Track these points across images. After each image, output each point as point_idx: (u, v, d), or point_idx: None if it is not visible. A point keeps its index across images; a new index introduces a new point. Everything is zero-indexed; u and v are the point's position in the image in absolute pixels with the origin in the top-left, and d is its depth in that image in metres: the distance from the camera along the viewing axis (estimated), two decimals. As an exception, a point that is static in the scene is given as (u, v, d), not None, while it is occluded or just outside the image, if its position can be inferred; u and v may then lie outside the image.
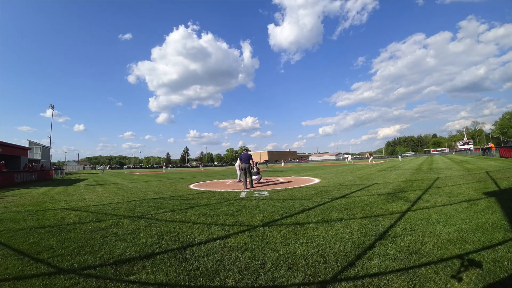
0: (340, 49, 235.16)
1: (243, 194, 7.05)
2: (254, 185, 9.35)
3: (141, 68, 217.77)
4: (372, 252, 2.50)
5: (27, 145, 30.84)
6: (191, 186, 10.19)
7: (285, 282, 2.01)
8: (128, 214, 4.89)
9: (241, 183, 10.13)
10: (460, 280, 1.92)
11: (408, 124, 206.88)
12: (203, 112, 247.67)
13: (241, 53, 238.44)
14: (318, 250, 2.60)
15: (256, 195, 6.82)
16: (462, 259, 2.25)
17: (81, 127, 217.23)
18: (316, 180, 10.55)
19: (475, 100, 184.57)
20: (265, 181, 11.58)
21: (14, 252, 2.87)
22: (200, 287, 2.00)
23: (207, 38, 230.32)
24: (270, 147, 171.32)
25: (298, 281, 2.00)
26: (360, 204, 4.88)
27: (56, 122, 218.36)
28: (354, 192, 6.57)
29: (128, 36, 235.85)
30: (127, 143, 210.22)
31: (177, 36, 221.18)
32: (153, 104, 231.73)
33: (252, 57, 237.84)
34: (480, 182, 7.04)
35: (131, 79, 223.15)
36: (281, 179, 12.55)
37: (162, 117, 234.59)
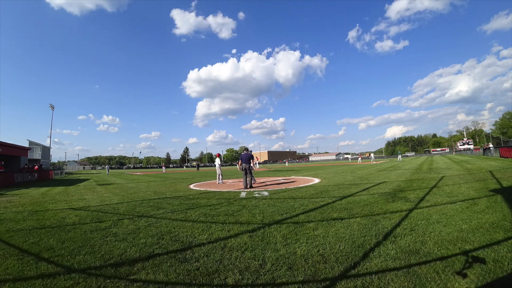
0: (389, 62, 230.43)
1: (243, 194, 7.05)
2: (253, 185, 9.37)
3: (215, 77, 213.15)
4: (372, 252, 2.50)
5: (27, 145, 30.82)
6: (191, 186, 10.19)
7: (285, 282, 2.01)
8: (128, 214, 4.89)
9: (221, 184, 10.66)
10: (460, 280, 1.92)
11: (425, 125, 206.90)
12: (252, 115, 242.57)
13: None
14: (318, 250, 2.60)
15: (256, 195, 6.82)
16: (462, 259, 2.25)
17: (116, 129, 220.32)
18: (316, 180, 10.55)
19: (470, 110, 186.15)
20: (265, 181, 11.58)
21: (14, 252, 2.88)
22: (200, 287, 2.00)
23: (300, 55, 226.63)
24: (279, 147, 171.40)
25: (298, 281, 2.00)
26: (360, 204, 4.88)
27: (93, 124, 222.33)
28: (354, 192, 6.57)
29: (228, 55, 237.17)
30: (145, 143, 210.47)
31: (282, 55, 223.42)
32: (201, 110, 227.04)
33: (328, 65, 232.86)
34: (480, 182, 7.04)
35: (192, 91, 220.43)
36: (281, 179, 12.55)
37: (203, 122, 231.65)
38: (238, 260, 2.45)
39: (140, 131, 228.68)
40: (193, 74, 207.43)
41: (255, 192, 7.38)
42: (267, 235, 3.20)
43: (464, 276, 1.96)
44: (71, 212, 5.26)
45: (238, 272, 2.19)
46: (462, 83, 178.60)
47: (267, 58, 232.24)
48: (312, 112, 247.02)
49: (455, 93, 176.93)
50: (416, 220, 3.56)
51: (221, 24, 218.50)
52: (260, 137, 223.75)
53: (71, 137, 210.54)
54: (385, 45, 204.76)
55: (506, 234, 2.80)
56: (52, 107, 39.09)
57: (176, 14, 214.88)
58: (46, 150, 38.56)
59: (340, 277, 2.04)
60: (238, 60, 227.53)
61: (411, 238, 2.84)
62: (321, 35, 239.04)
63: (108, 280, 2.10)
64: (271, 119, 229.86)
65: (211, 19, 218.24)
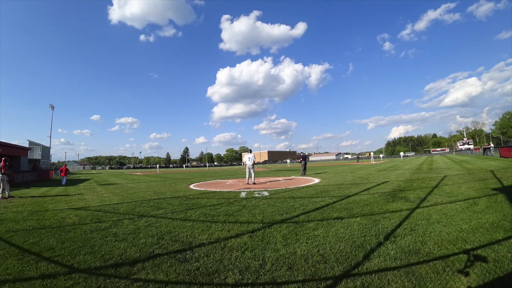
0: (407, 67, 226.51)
1: (243, 194, 7.05)
2: (254, 185, 9.40)
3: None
4: (372, 252, 2.50)
5: (27, 145, 30.81)
6: (191, 186, 10.19)
7: (285, 282, 2.01)
8: (128, 214, 4.89)
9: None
10: (460, 280, 1.91)
11: (430, 126, 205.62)
12: (269, 116, 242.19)
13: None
14: (318, 250, 2.60)
15: (256, 195, 6.82)
16: (462, 259, 2.25)
17: (129, 130, 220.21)
18: (316, 180, 10.55)
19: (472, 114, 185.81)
20: (265, 181, 11.58)
21: (14, 252, 2.87)
22: (200, 287, 1.99)
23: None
24: (284, 147, 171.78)
25: (298, 281, 2.00)
26: (360, 204, 4.88)
27: (110, 124, 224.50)
28: (354, 192, 6.56)
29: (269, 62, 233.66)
30: (152, 143, 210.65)
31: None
32: (221, 113, 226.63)
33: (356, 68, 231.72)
34: (480, 182, 7.04)
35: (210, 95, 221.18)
36: (281, 179, 12.55)
37: (218, 123, 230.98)
38: (238, 260, 2.45)
39: (152, 132, 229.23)
40: (222, 78, 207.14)
41: (255, 192, 7.38)
42: (267, 235, 3.20)
43: (465, 276, 1.96)
44: (71, 212, 5.25)
45: (238, 272, 2.19)
46: (471, 87, 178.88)
47: (304, 65, 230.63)
48: (326, 111, 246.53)
49: (459, 97, 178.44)
50: (416, 220, 3.56)
51: (273, 41, 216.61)
52: (268, 137, 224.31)
53: (83, 137, 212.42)
54: (406, 50, 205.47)
55: (506, 234, 2.80)
56: (52, 107, 39.06)
57: (224, 26, 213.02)
58: (46, 150, 38.53)
59: (340, 277, 2.04)
60: (275, 65, 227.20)
61: (411, 238, 2.84)
62: (352, 39, 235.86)
63: (108, 280, 2.10)
64: (284, 119, 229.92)
65: (267, 28, 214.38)
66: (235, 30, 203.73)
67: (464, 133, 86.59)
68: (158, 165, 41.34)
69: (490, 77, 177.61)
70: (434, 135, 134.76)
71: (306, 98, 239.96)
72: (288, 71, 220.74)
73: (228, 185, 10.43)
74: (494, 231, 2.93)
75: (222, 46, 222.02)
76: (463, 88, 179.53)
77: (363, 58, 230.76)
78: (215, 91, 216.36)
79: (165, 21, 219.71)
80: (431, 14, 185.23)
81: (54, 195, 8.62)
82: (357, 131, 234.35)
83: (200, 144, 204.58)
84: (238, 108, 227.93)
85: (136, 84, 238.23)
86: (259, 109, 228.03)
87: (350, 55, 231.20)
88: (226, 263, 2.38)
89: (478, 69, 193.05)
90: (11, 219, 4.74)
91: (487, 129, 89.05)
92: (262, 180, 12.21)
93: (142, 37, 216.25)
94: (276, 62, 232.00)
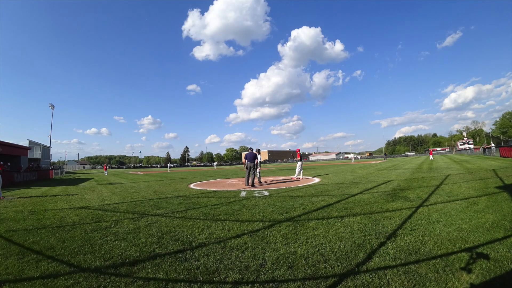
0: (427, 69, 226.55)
1: (243, 194, 7.05)
2: (255, 184, 9.38)
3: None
4: (372, 252, 2.50)
5: (27, 145, 30.82)
6: (191, 186, 10.19)
7: (285, 281, 2.01)
8: (129, 213, 4.89)
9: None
10: (460, 279, 1.92)
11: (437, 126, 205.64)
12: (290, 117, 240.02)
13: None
14: (318, 250, 2.60)
15: (256, 194, 6.82)
16: (462, 259, 2.25)
17: (144, 130, 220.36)
18: (316, 180, 10.55)
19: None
20: (265, 180, 11.58)
21: (15, 252, 2.88)
22: (200, 286, 2.00)
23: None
24: (288, 146, 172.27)
25: (298, 280, 2.00)
26: (360, 203, 4.88)
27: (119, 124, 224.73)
28: (354, 191, 6.56)
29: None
30: (161, 143, 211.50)
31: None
32: (243, 116, 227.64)
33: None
34: (480, 182, 7.04)
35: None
36: (281, 178, 12.55)
37: (239, 126, 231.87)
38: (238, 259, 2.45)
39: (169, 132, 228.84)
40: (256, 82, 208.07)
41: (255, 192, 7.38)
42: (267, 234, 3.20)
43: (465, 275, 1.96)
44: (71, 212, 5.26)
45: (238, 272, 2.19)
46: (483, 90, 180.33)
47: (343, 72, 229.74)
48: (341, 111, 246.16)
49: (471, 99, 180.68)
50: (416, 219, 3.56)
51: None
52: (280, 137, 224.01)
53: (95, 137, 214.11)
54: (436, 54, 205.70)
55: (506, 234, 2.80)
56: (52, 107, 39.02)
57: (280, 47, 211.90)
58: (46, 149, 38.53)
59: (340, 276, 2.04)
60: (311, 79, 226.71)
61: (411, 237, 2.84)
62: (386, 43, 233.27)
63: (108, 280, 2.11)
64: (300, 121, 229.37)
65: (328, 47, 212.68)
66: (292, 48, 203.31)
67: (464, 132, 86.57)
68: (158, 165, 40.46)
69: (503, 82, 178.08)
70: (434, 135, 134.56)
71: (330, 99, 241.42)
72: (329, 78, 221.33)
73: (228, 184, 10.43)
74: (494, 230, 2.93)
75: (277, 64, 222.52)
76: (477, 92, 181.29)
77: (392, 62, 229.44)
78: (245, 94, 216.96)
79: (246, 43, 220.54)
80: (471, 26, 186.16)
81: (54, 195, 8.63)
82: (365, 130, 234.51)
83: (208, 144, 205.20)
84: (265, 111, 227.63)
85: (178, 92, 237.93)
86: (288, 111, 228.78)
87: (388, 60, 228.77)
88: (226, 263, 2.38)
89: (493, 74, 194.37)
90: (11, 219, 4.75)
91: (487, 129, 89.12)
92: (262, 179, 12.21)
93: (206, 50, 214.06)
94: (315, 70, 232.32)
